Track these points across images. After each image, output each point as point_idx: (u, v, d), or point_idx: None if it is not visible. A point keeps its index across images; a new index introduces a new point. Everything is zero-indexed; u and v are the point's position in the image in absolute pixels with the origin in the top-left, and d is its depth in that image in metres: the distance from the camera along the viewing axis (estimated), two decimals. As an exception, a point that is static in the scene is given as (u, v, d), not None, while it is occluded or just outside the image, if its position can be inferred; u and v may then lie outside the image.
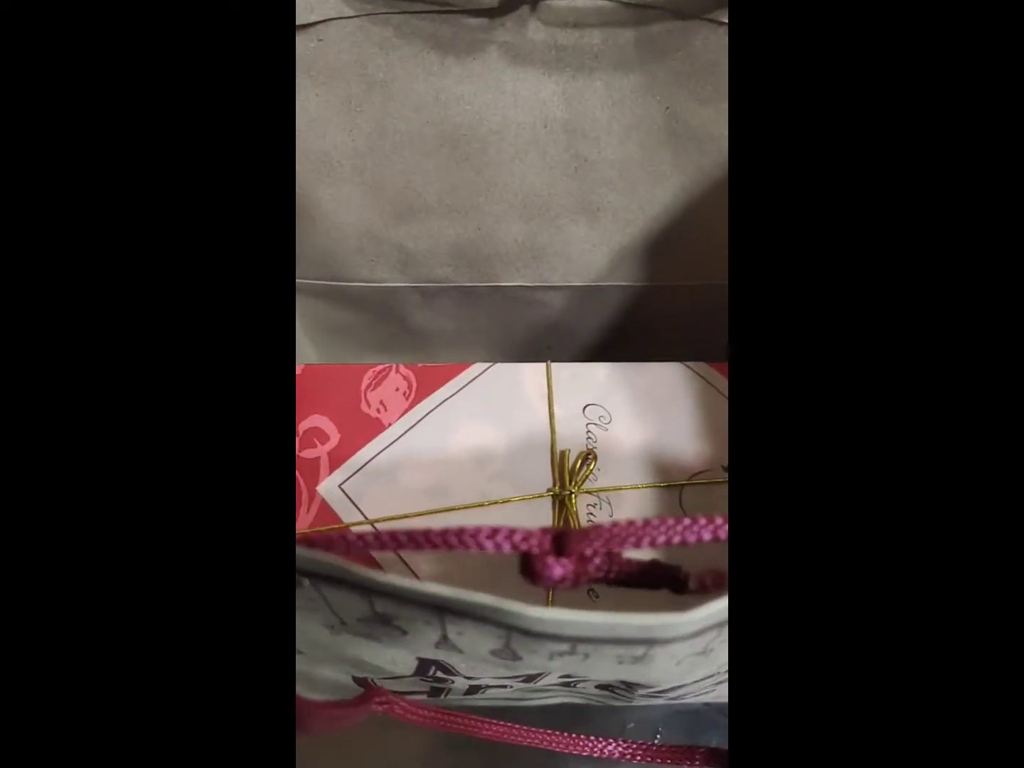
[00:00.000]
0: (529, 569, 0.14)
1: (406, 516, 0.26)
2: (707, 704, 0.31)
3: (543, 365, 0.30)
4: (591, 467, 0.27)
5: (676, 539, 0.14)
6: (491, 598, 0.12)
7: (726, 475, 0.27)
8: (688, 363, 0.30)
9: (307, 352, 0.36)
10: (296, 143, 0.26)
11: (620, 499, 0.27)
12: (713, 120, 0.26)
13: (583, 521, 0.26)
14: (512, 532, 0.14)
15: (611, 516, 0.26)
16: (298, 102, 0.25)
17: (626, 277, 0.32)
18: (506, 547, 0.14)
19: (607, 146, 0.27)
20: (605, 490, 0.27)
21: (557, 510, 0.26)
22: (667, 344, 0.35)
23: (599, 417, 0.29)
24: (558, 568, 0.14)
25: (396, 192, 0.29)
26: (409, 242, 0.31)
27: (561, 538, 0.14)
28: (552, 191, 0.29)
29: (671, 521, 0.14)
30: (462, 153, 0.27)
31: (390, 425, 0.28)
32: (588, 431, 0.28)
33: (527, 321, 0.34)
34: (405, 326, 0.35)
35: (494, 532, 0.14)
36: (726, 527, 0.14)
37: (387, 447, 0.28)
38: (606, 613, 0.13)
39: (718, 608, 0.12)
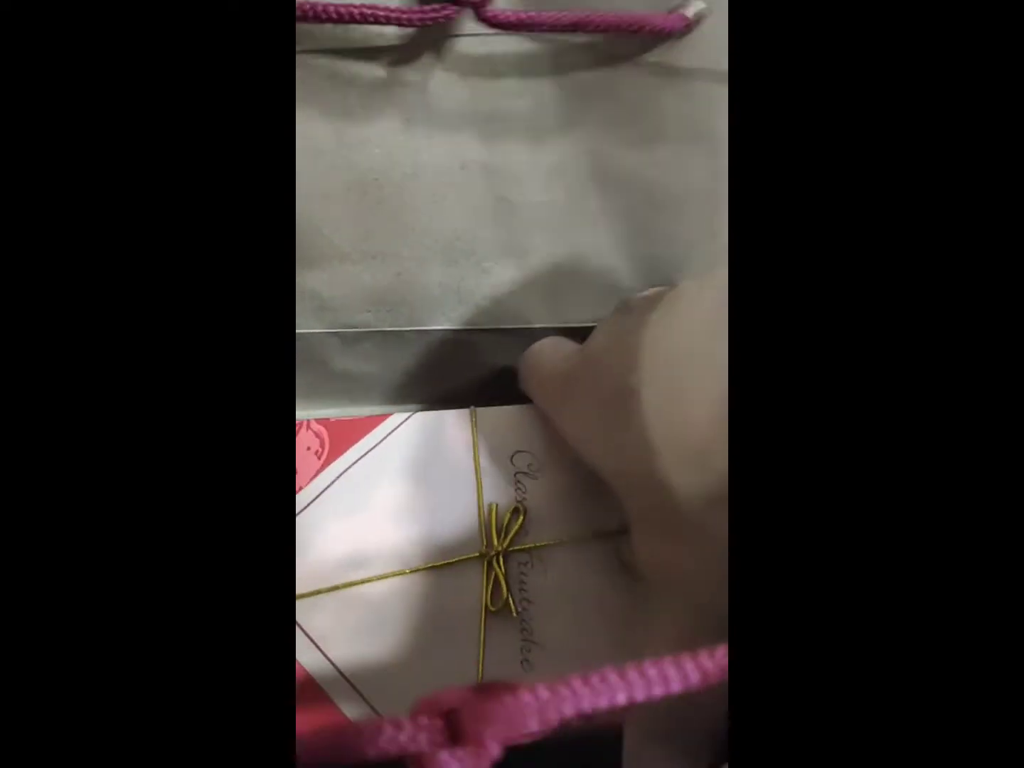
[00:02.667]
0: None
1: (318, 592, 0.24)
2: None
3: (467, 411, 0.28)
4: (519, 522, 0.25)
5: (586, 707, 0.12)
6: None
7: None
8: None
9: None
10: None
11: (553, 554, 0.25)
12: (642, 163, 0.24)
13: (515, 584, 0.24)
14: (397, 730, 0.12)
15: (545, 573, 0.25)
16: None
17: (559, 319, 0.31)
18: (392, 749, 0.12)
19: (530, 188, 0.25)
20: (536, 547, 0.25)
21: (485, 573, 0.25)
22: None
23: (528, 464, 0.27)
24: (454, 765, 0.12)
25: (303, 238, 0.26)
26: (322, 288, 0.28)
27: (454, 720, 0.12)
28: (475, 234, 0.27)
29: (577, 683, 0.12)
30: (374, 197, 0.25)
31: (300, 490, 0.26)
32: (517, 481, 0.27)
33: (458, 363, 0.33)
34: (327, 371, 0.33)
35: (376, 731, 0.12)
36: (670, 683, 0.12)
37: (297, 515, 0.26)
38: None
39: None
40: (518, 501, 0.26)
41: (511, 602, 0.24)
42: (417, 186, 0.25)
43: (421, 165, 0.24)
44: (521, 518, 0.26)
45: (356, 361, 0.32)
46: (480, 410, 0.28)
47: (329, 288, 0.28)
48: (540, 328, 0.31)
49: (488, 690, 0.12)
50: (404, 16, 0.19)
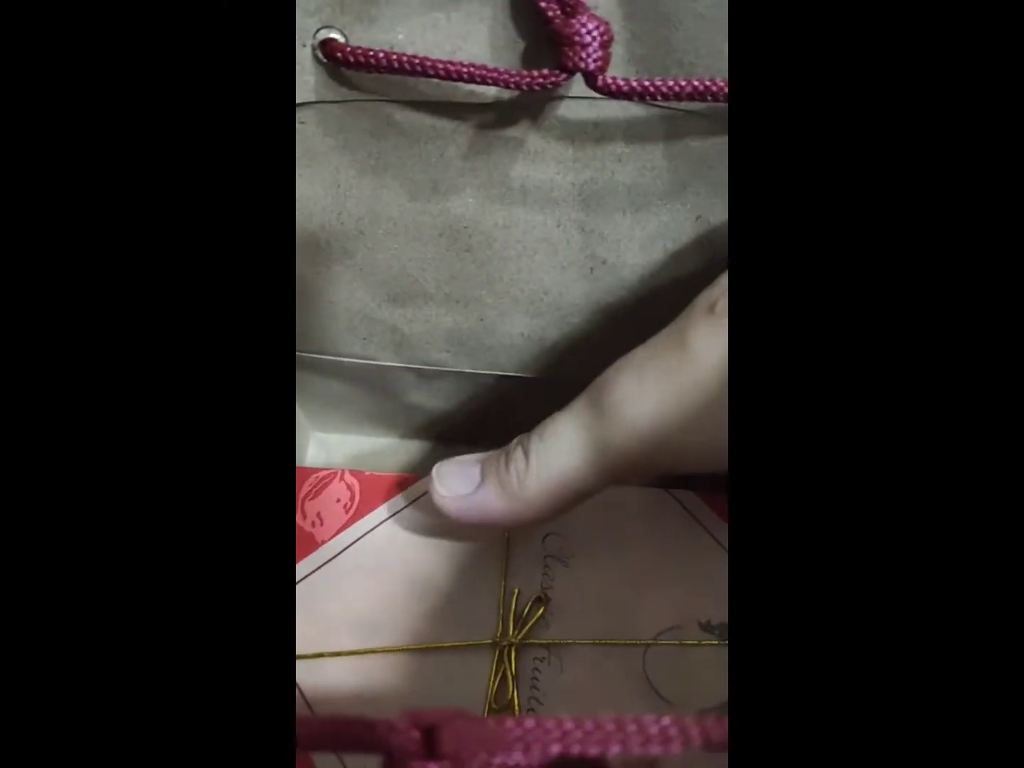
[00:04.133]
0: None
1: (320, 655, 0.23)
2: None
3: None
4: (539, 612, 0.23)
5: (575, 749, 0.11)
6: None
7: (702, 635, 0.23)
8: (673, 490, 0.26)
9: (300, 422, 0.34)
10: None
11: (572, 655, 0.23)
12: (751, 237, 0.22)
13: (527, 679, 0.23)
14: (371, 726, 0.11)
15: (560, 673, 0.23)
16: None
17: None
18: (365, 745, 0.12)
19: (629, 250, 0.24)
20: (555, 643, 0.23)
21: (495, 664, 0.23)
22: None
23: (559, 549, 0.25)
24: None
25: (390, 276, 0.26)
26: (403, 324, 0.28)
27: (433, 734, 0.11)
28: (564, 290, 0.26)
29: (569, 724, 0.11)
30: (463, 245, 0.24)
31: (323, 543, 0.25)
32: (546, 566, 0.25)
33: (530, 410, 0.31)
34: (402, 402, 0.32)
35: (349, 724, 0.12)
36: (671, 742, 0.11)
37: (316, 570, 0.24)
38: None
39: None
40: (543, 589, 0.24)
41: (515, 702, 0.22)
42: (508, 237, 0.24)
43: (514, 218, 0.23)
44: (542, 609, 0.24)
45: (429, 397, 0.31)
46: None
47: (410, 325, 0.28)
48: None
49: (475, 718, 0.11)
50: (511, 79, 0.18)
